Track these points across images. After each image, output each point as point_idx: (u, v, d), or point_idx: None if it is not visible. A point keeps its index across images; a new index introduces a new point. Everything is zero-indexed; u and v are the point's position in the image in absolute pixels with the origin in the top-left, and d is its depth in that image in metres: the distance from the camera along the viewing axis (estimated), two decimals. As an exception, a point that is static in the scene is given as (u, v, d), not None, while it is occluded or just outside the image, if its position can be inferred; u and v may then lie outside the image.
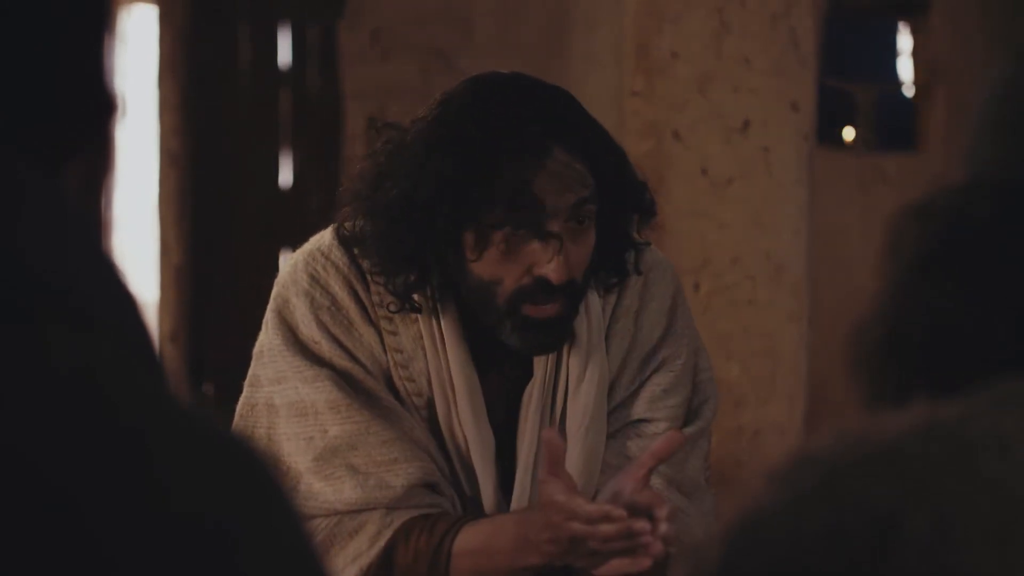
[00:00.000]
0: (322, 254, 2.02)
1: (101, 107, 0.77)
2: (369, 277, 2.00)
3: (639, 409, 2.07)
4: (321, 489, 1.97)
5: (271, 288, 2.07)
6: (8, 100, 0.72)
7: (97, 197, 0.77)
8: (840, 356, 0.86)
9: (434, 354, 2.00)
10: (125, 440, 0.66)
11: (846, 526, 0.71)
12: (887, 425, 0.75)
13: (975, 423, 0.74)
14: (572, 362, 2.03)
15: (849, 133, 6.92)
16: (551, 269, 1.89)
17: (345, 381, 1.98)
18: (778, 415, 4.15)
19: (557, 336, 1.97)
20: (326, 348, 1.98)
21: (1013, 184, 0.84)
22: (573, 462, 2.00)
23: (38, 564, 0.62)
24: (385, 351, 2.01)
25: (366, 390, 1.98)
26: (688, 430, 2.07)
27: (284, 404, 2.00)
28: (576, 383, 2.03)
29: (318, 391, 1.97)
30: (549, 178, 1.89)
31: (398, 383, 2.01)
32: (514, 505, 2.02)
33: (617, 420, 2.07)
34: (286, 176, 6.75)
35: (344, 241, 2.01)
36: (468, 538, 1.93)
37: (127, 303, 0.72)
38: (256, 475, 0.70)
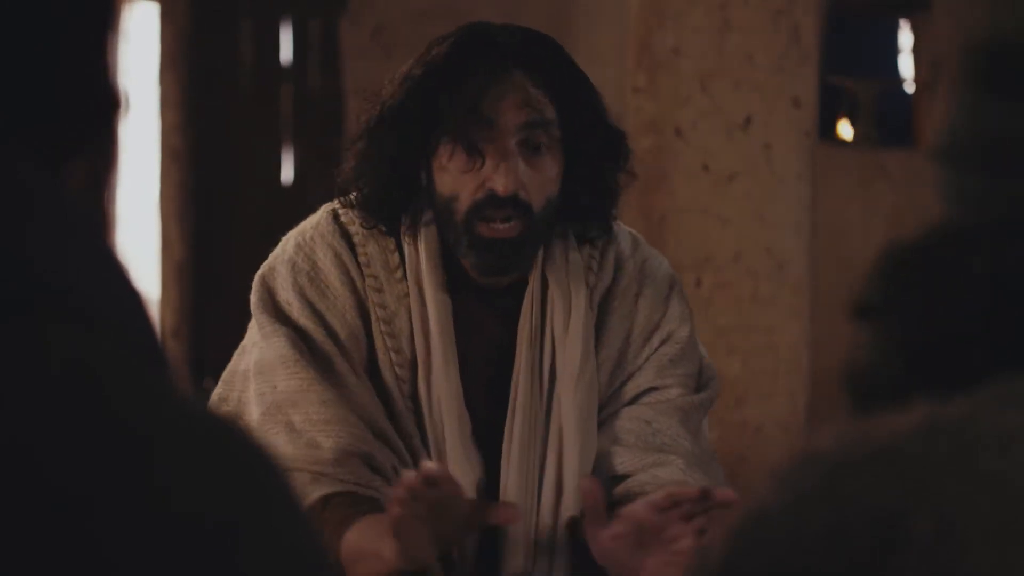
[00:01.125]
0: (311, 226, 2.12)
1: (105, 105, 0.77)
2: (356, 240, 2.08)
3: (648, 378, 2.11)
4: None
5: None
6: (11, 98, 0.72)
7: (101, 194, 0.77)
8: (842, 355, 0.86)
9: (416, 294, 2.05)
10: (123, 440, 0.66)
11: (848, 526, 0.71)
12: (888, 425, 0.75)
13: (976, 422, 0.74)
14: (556, 316, 2.08)
15: (846, 130, 6.91)
16: (498, 181, 1.96)
17: (304, 340, 2.04)
18: (780, 411, 4.15)
19: (510, 258, 2.02)
20: (296, 309, 2.05)
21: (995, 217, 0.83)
22: (568, 414, 2.05)
23: (38, 563, 0.62)
24: (365, 313, 2.06)
25: (323, 353, 2.03)
26: (699, 396, 2.13)
27: (252, 364, 2.06)
28: (561, 335, 2.07)
29: (273, 347, 2.03)
30: (502, 96, 1.98)
31: (378, 340, 2.06)
32: (505, 458, 2.05)
33: (628, 392, 2.11)
34: (287, 172, 6.74)
35: (342, 186, 2.11)
36: (355, 533, 1.94)
37: (131, 301, 0.72)
38: (260, 475, 0.70)
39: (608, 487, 2.05)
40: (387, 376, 2.06)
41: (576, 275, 2.09)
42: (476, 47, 2.00)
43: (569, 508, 2.05)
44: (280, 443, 1.99)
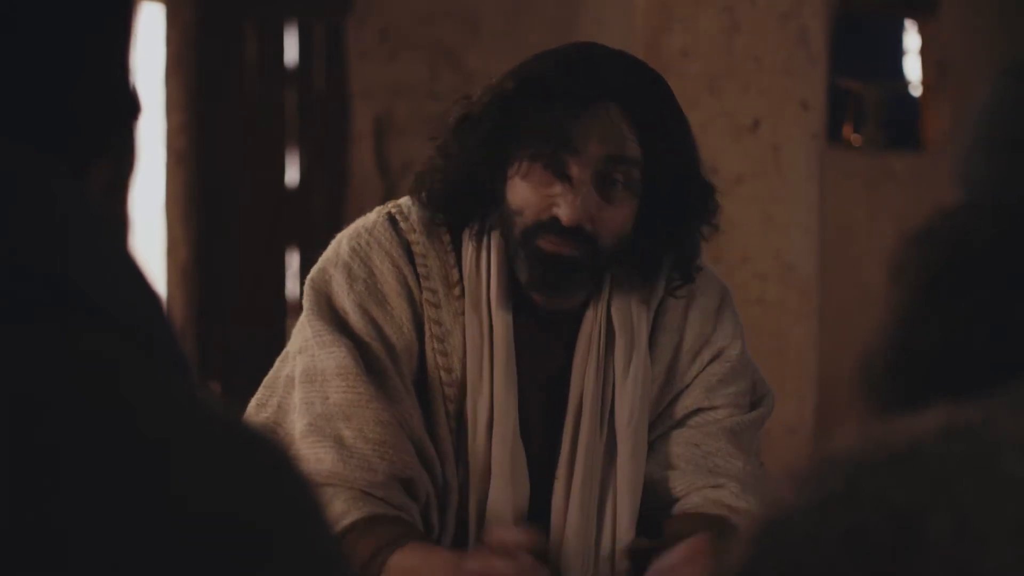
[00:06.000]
0: (366, 230, 2.05)
1: (124, 109, 0.77)
2: (416, 250, 2.02)
3: (696, 399, 2.08)
4: (305, 455, 1.96)
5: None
6: (36, 105, 0.72)
7: (122, 197, 0.78)
8: (853, 357, 0.86)
9: (475, 315, 2.01)
10: (145, 444, 0.66)
11: (868, 527, 0.71)
12: (907, 427, 0.75)
13: (995, 424, 0.74)
14: (617, 356, 2.04)
15: (855, 138, 6.92)
16: (564, 210, 1.92)
17: (362, 353, 1.98)
18: (788, 414, 4.14)
19: (565, 277, 1.97)
20: (353, 319, 2.00)
21: (1009, 207, 0.84)
22: (624, 458, 2.03)
23: (54, 563, 0.62)
24: (420, 326, 2.02)
25: (380, 368, 1.99)
26: (751, 415, 2.10)
27: (300, 371, 2.01)
28: (621, 378, 2.04)
29: (331, 356, 1.98)
30: (589, 126, 1.92)
31: (430, 356, 2.02)
32: (561, 492, 2.03)
33: (677, 412, 2.09)
34: (292, 175, 6.74)
35: (418, 179, 2.05)
36: (405, 556, 1.91)
37: (152, 304, 0.72)
38: (282, 479, 0.70)
39: (662, 512, 2.05)
40: (435, 394, 2.02)
41: (641, 317, 2.05)
42: (576, 71, 1.94)
43: (623, 545, 2.03)
44: (328, 457, 1.95)
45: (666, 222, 2.00)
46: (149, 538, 0.63)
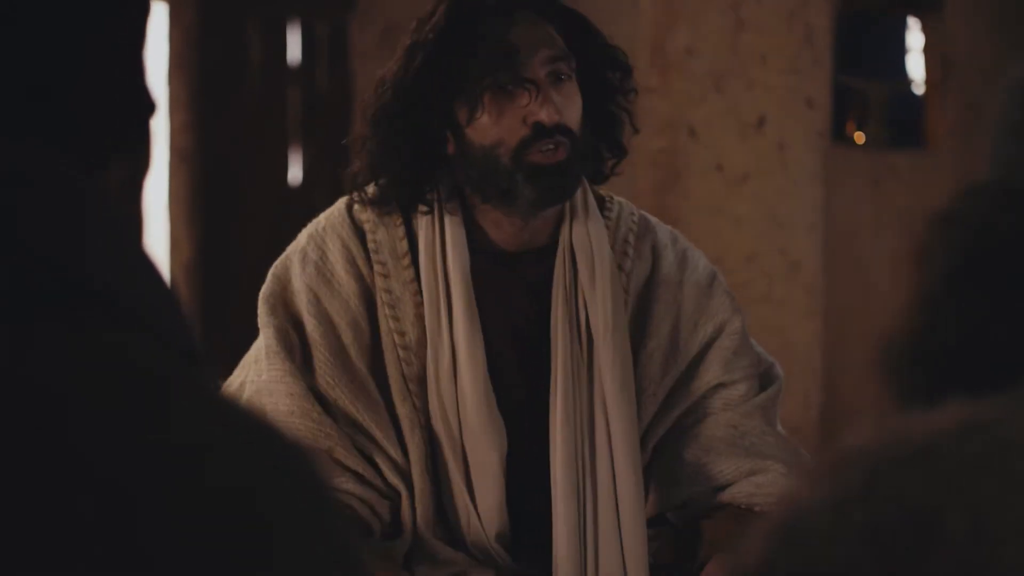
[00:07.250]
0: (325, 217, 2.18)
1: (140, 109, 0.77)
2: (367, 227, 2.13)
3: (716, 373, 2.15)
4: None
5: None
6: (54, 105, 0.72)
7: (136, 195, 0.78)
8: (858, 356, 0.86)
9: (431, 270, 2.09)
10: (169, 440, 0.66)
11: (884, 525, 0.71)
12: (925, 425, 0.75)
13: (1012, 422, 0.74)
14: (581, 273, 2.11)
15: (860, 137, 6.91)
16: (543, 112, 2.01)
17: (296, 331, 2.10)
18: (793, 412, 4.15)
19: (567, 182, 2.06)
20: (300, 299, 2.12)
21: None
22: (608, 362, 2.08)
23: (81, 557, 0.62)
24: (370, 300, 2.11)
25: (309, 344, 2.09)
26: (772, 390, 2.18)
27: (250, 353, 2.15)
28: (589, 292, 2.10)
29: (263, 338, 2.11)
30: (521, 33, 2.04)
31: (383, 323, 2.11)
32: (553, 428, 2.07)
33: (698, 387, 2.15)
34: (295, 173, 6.74)
35: (354, 181, 2.14)
36: None
37: (168, 301, 0.72)
38: (288, 475, 0.70)
39: (708, 496, 2.10)
40: (389, 358, 2.10)
41: (597, 228, 2.12)
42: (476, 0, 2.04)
43: (623, 466, 2.08)
44: None
45: (602, 101, 2.12)
46: (152, 535, 0.63)
